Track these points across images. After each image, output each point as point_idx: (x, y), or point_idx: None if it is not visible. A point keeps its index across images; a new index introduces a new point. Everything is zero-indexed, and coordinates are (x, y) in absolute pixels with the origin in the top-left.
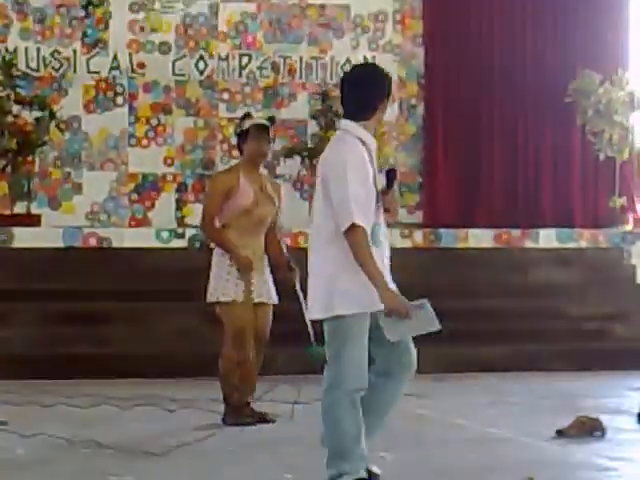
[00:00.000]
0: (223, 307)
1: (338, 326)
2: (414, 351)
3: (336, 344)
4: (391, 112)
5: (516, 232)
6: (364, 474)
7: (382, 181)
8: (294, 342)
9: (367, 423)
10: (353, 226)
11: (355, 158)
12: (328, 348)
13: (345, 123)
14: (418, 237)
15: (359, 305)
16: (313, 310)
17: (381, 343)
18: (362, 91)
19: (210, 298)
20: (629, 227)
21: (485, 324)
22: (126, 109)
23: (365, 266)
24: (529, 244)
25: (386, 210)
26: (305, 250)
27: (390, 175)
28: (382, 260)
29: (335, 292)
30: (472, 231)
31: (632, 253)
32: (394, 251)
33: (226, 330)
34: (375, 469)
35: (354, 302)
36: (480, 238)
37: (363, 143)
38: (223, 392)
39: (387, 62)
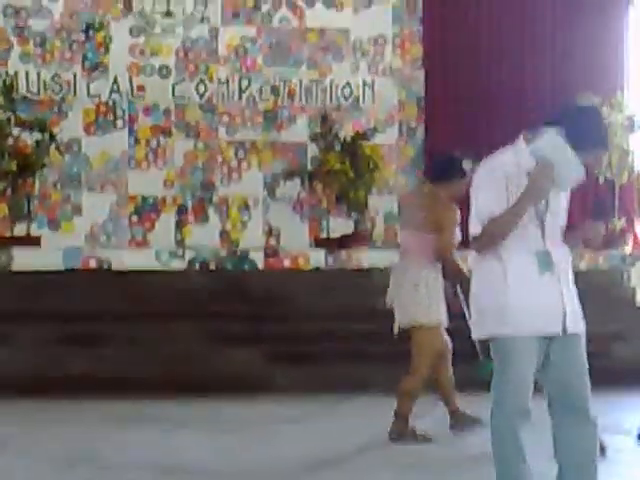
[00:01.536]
0: (425, 330)
1: (499, 345)
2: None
3: (497, 363)
4: (391, 135)
5: None
6: None
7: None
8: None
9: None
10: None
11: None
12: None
13: None
14: None
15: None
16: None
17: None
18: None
19: (411, 322)
20: (628, 249)
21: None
22: (126, 132)
23: (504, 230)
24: None
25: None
26: (306, 272)
27: (598, 207)
28: (542, 277)
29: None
30: (472, 253)
31: (632, 275)
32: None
33: (425, 352)
34: None
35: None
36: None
37: None
38: (401, 408)
39: (387, 85)
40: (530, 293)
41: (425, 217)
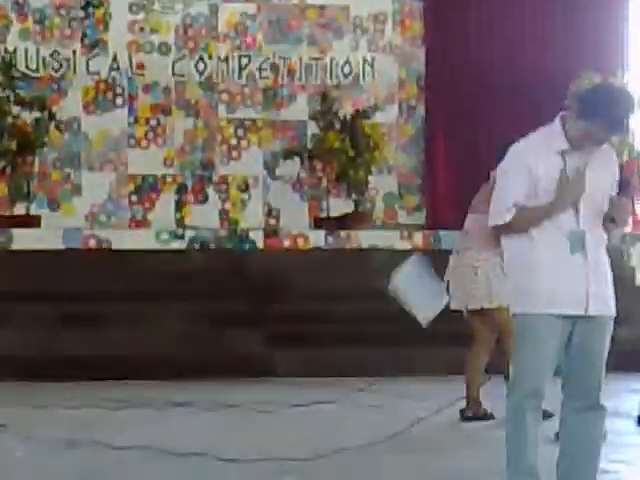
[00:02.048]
0: (502, 310)
1: (520, 323)
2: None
3: (517, 342)
4: (391, 113)
5: None
6: None
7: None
8: None
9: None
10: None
11: None
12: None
13: None
14: (418, 239)
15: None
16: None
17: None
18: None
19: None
20: (629, 229)
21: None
22: (126, 110)
23: (526, 223)
24: None
25: (611, 219)
26: (306, 252)
27: (623, 184)
28: (570, 260)
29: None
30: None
31: (632, 254)
32: (394, 254)
33: (508, 330)
34: None
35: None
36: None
37: None
38: (473, 390)
39: (387, 63)
40: (556, 273)
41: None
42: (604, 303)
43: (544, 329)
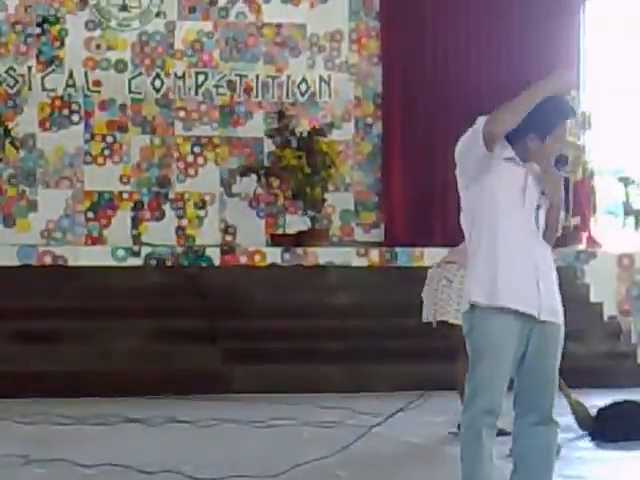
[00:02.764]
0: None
1: (477, 331)
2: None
3: (471, 355)
4: (347, 131)
5: None
6: None
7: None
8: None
9: None
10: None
11: None
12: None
13: None
14: (375, 256)
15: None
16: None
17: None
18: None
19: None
20: (582, 246)
21: (440, 342)
22: (82, 127)
23: (523, 101)
24: None
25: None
26: (262, 269)
27: (560, 158)
28: (524, 264)
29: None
30: (428, 250)
31: (586, 272)
32: (350, 271)
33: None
34: None
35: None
36: (435, 257)
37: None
38: None
39: (343, 81)
40: (516, 274)
41: None
42: (554, 312)
43: (504, 331)
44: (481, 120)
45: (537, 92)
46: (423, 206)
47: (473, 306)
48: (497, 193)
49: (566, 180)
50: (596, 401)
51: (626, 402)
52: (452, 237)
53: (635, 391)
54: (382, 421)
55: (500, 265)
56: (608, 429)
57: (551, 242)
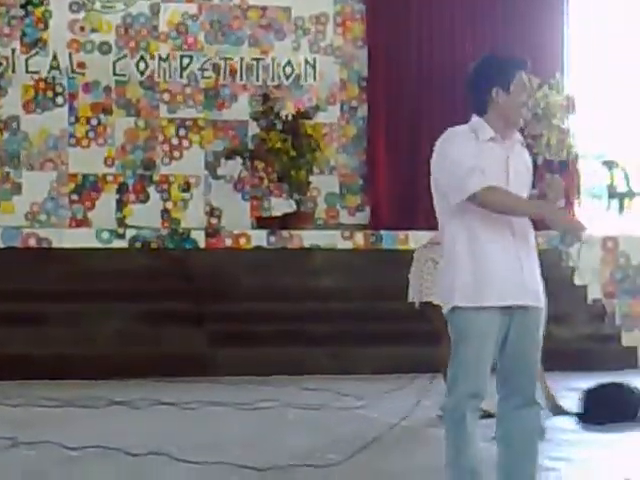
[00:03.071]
0: None
1: (460, 319)
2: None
3: (455, 341)
4: (332, 114)
5: None
6: None
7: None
8: None
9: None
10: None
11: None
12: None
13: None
14: (359, 239)
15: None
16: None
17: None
18: (471, 86)
19: None
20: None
21: (425, 325)
22: (66, 109)
23: (516, 210)
24: None
25: (543, 196)
26: (247, 251)
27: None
28: (510, 257)
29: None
30: (412, 233)
31: (570, 255)
32: (335, 254)
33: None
34: None
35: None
36: (420, 240)
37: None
38: None
39: (328, 64)
40: (499, 266)
41: None
42: (537, 294)
43: (487, 324)
44: (470, 182)
45: (529, 211)
46: (408, 189)
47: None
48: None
49: (550, 163)
50: (581, 383)
51: (611, 384)
52: (437, 220)
53: (620, 373)
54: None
55: (487, 263)
56: (594, 412)
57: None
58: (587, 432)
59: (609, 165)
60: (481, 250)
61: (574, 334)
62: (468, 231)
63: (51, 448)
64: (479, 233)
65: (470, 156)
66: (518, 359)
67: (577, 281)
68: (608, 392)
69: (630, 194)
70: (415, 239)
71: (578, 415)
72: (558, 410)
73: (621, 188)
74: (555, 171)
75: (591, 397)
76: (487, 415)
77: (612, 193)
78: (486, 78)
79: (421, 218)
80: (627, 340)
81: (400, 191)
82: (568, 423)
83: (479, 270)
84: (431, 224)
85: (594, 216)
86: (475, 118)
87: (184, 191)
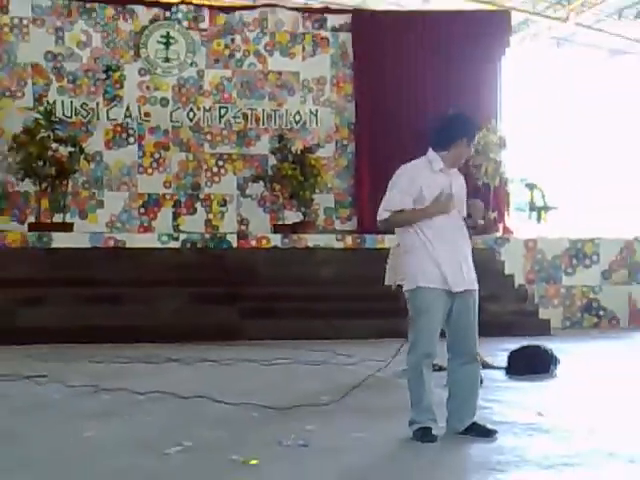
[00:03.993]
0: None
1: (417, 298)
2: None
3: (413, 315)
4: (329, 150)
5: None
6: (428, 424)
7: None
8: None
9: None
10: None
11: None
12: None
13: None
14: (349, 240)
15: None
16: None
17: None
18: (442, 130)
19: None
20: (499, 234)
21: (397, 303)
22: (136, 146)
23: (404, 221)
24: None
25: (468, 215)
26: (268, 250)
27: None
28: (453, 255)
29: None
30: (387, 236)
31: (502, 252)
32: (332, 251)
33: None
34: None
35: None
36: (393, 241)
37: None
38: None
39: (326, 113)
40: (443, 259)
41: None
42: (472, 281)
43: (435, 302)
44: (382, 212)
45: (421, 216)
46: None
47: (416, 287)
48: (431, 199)
49: (487, 185)
50: (508, 346)
51: (530, 346)
52: None
53: (537, 338)
54: (384, 367)
55: (434, 255)
56: (517, 366)
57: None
58: (512, 381)
59: (530, 187)
60: (432, 246)
61: (504, 310)
62: (421, 232)
63: (123, 393)
64: (429, 234)
65: (400, 191)
66: (461, 328)
67: (507, 271)
68: (528, 352)
69: (545, 208)
70: (389, 240)
71: (506, 369)
72: (484, 365)
73: (539, 203)
74: (484, 194)
75: (515, 356)
76: (440, 369)
77: (532, 207)
78: (457, 130)
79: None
80: (542, 314)
81: (379, 206)
82: (499, 375)
83: (431, 261)
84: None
85: (519, 224)
86: (432, 153)
87: (222, 206)
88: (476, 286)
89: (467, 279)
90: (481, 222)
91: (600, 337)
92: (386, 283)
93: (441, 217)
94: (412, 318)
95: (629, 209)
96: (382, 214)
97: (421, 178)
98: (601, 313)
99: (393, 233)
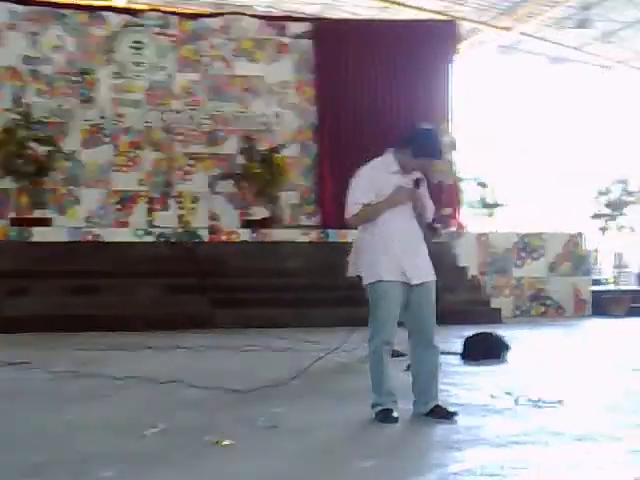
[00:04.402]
0: None
1: (375, 290)
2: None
3: (372, 306)
4: (293, 150)
5: None
6: (390, 406)
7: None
8: None
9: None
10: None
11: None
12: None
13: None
14: (313, 235)
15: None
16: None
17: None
18: (418, 141)
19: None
20: (454, 229)
21: (357, 292)
22: (111, 146)
23: (372, 213)
24: None
25: (414, 207)
26: (237, 243)
27: (417, 181)
28: (409, 249)
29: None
30: (349, 231)
31: (456, 246)
32: (297, 245)
33: None
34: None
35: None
36: (354, 235)
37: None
38: None
39: (290, 116)
40: (400, 253)
41: None
42: (428, 273)
43: (392, 294)
44: (349, 209)
45: (385, 206)
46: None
47: (376, 280)
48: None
49: (442, 184)
50: (464, 332)
51: (483, 333)
52: None
53: (489, 326)
54: (331, 351)
55: (390, 250)
56: (471, 352)
57: (422, 227)
58: (467, 366)
59: (481, 185)
60: (390, 242)
61: (459, 299)
62: (379, 229)
63: (103, 378)
64: (386, 230)
65: (361, 190)
66: (420, 318)
67: (461, 264)
68: (481, 339)
69: (495, 205)
70: (351, 235)
71: (461, 355)
72: (395, 354)
73: (490, 201)
74: (437, 192)
75: (469, 342)
76: (399, 354)
77: (483, 204)
78: (433, 150)
79: None
80: (494, 304)
81: (340, 202)
82: (455, 360)
83: (389, 256)
84: None
85: (471, 220)
86: (389, 156)
87: (193, 202)
88: (432, 277)
89: (424, 272)
90: (422, 213)
91: (547, 325)
92: (348, 275)
93: (397, 216)
94: (372, 309)
95: (574, 205)
96: (352, 210)
97: (378, 180)
98: (548, 302)
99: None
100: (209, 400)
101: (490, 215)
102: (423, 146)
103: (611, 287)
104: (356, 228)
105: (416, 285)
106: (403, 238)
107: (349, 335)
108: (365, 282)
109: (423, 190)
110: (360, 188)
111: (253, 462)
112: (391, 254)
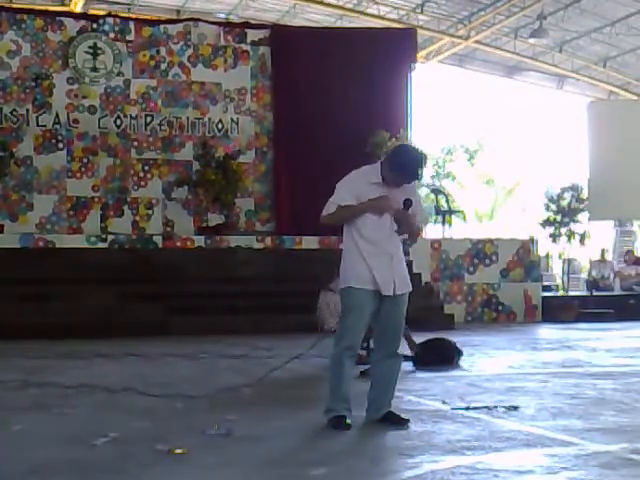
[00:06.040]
0: None
1: (347, 296)
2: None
3: (342, 311)
4: (250, 156)
5: (334, 238)
6: (343, 413)
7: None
8: None
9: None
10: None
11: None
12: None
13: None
14: (268, 241)
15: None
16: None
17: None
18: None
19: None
20: (407, 235)
21: (311, 300)
22: (65, 152)
23: (348, 214)
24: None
25: (398, 225)
26: (192, 250)
27: (405, 202)
28: (384, 260)
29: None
30: (304, 237)
31: (410, 252)
32: (252, 252)
33: None
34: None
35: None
36: (309, 242)
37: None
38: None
39: (247, 122)
40: (375, 263)
41: None
42: (402, 285)
43: (363, 301)
44: (326, 209)
45: (363, 209)
46: (301, 208)
47: (348, 287)
48: None
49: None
50: (416, 339)
51: (436, 339)
52: (321, 231)
53: (442, 332)
54: (290, 359)
55: (367, 260)
56: (424, 357)
57: (406, 237)
58: (420, 372)
59: (436, 192)
60: (365, 250)
61: (412, 306)
62: (357, 235)
63: (52, 387)
64: (363, 239)
65: (343, 191)
66: (389, 327)
67: (414, 270)
68: (434, 344)
69: (450, 212)
70: (306, 242)
71: (413, 360)
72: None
73: (444, 208)
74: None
75: (422, 348)
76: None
77: (438, 211)
78: (412, 172)
79: (309, 228)
80: (447, 309)
81: (296, 209)
82: (407, 366)
83: (363, 264)
84: (317, 232)
85: (426, 227)
86: (372, 167)
87: (148, 208)
88: (407, 289)
89: (398, 284)
90: (411, 232)
91: (499, 330)
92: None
93: (375, 225)
94: (342, 314)
95: (526, 212)
96: (329, 208)
97: (358, 188)
98: (500, 308)
99: (335, 234)
100: (161, 408)
101: (444, 222)
102: (401, 162)
103: (561, 293)
104: (336, 232)
105: (388, 295)
106: (381, 247)
107: (314, 343)
108: (339, 286)
109: (412, 210)
110: (343, 190)
111: (205, 471)
112: (367, 262)
